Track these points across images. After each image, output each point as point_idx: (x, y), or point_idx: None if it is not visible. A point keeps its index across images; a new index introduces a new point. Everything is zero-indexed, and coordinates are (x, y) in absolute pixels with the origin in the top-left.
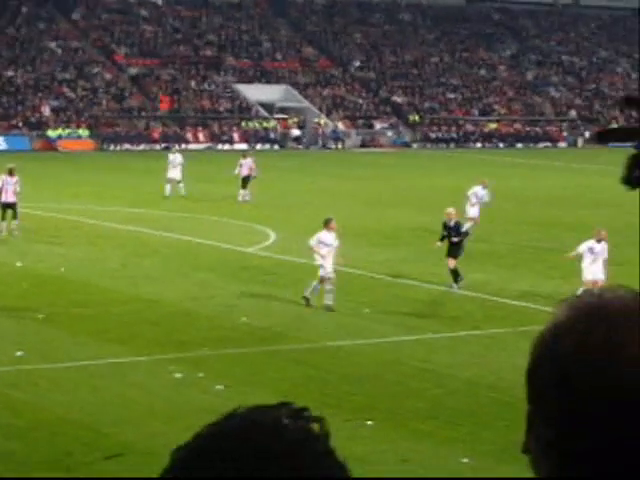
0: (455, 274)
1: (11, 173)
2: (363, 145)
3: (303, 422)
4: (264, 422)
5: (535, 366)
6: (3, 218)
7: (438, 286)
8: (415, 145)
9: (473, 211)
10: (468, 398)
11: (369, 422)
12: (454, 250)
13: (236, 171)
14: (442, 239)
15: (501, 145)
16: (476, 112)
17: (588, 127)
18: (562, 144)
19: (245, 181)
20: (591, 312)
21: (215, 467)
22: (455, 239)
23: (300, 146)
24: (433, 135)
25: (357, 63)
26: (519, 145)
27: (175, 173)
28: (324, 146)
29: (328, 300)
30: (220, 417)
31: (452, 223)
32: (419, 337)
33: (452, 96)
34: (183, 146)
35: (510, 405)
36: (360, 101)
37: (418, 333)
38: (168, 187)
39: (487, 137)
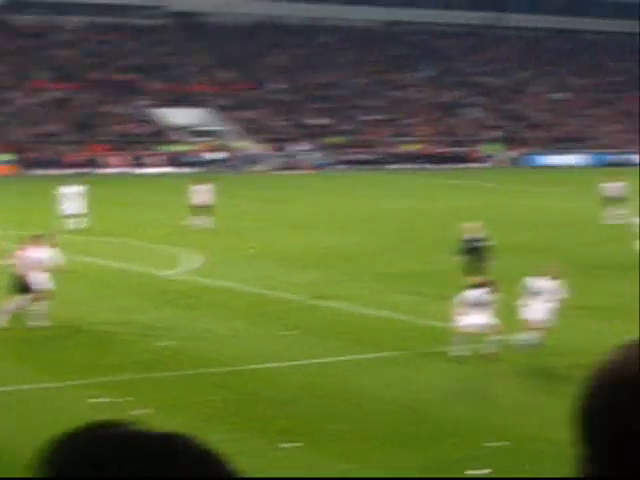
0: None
1: None
2: (282, 167)
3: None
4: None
5: (586, 401)
6: None
7: (359, 307)
8: (333, 167)
9: None
10: (389, 419)
11: (292, 444)
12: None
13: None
14: (463, 253)
15: (420, 166)
16: (394, 133)
17: (508, 147)
18: (482, 164)
19: (200, 208)
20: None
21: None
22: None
23: (219, 169)
24: (351, 157)
25: (276, 85)
26: (438, 166)
27: (73, 207)
28: (242, 169)
29: None
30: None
31: (476, 237)
32: (340, 359)
33: (370, 118)
34: (100, 170)
35: (430, 425)
36: (279, 123)
37: (339, 355)
38: (70, 222)
39: (405, 158)
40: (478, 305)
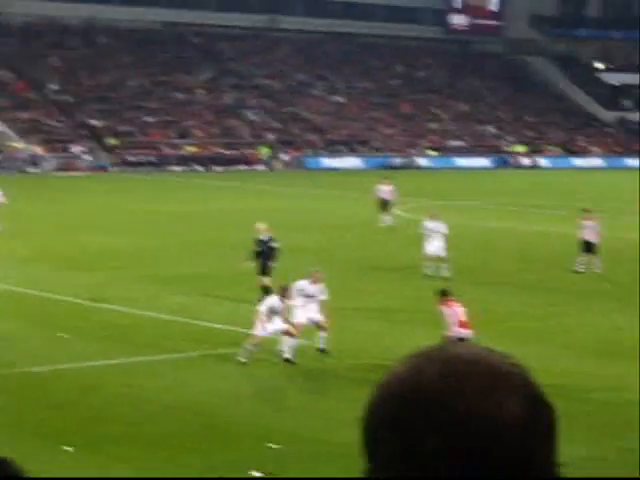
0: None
1: None
2: (60, 169)
3: None
4: None
5: (370, 414)
6: None
7: (137, 310)
8: (113, 169)
9: None
10: (168, 422)
11: (67, 448)
12: (267, 267)
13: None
14: (256, 256)
15: (199, 168)
16: (174, 135)
17: (285, 150)
18: (260, 167)
19: None
20: (429, 355)
21: None
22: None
23: None
24: (131, 159)
25: (54, 86)
26: (217, 168)
27: None
28: (20, 170)
29: None
30: None
31: (266, 238)
32: (119, 361)
33: (150, 119)
34: None
35: (209, 428)
36: (57, 124)
37: (118, 357)
38: None
39: (185, 160)
40: (275, 312)
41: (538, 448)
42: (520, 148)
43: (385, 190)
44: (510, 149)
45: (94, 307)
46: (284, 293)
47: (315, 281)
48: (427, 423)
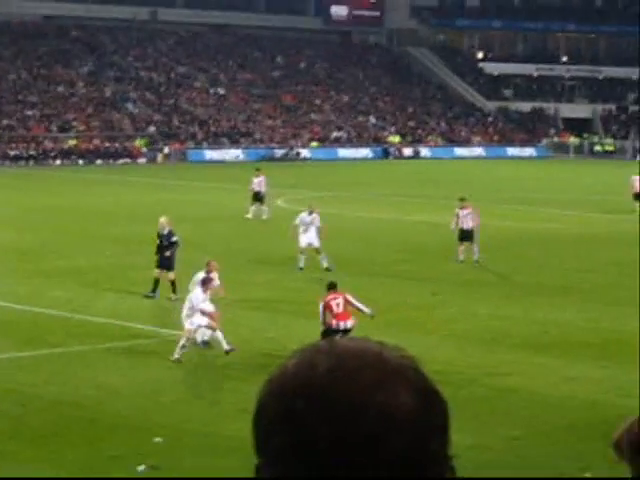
0: (174, 285)
1: None
2: None
3: None
4: None
5: (261, 409)
6: None
7: (19, 305)
8: None
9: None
10: (52, 417)
11: None
12: (169, 261)
13: None
14: (158, 250)
15: (81, 162)
16: (55, 129)
17: (167, 142)
18: (142, 160)
19: None
20: (319, 349)
21: None
22: (167, 250)
23: None
24: (11, 152)
25: None
26: (99, 161)
27: None
28: None
29: None
30: None
31: (165, 232)
32: (2, 357)
33: (30, 113)
34: None
35: (94, 422)
36: None
37: (0, 353)
38: None
39: (66, 154)
40: (195, 307)
41: (432, 440)
42: (401, 138)
43: (256, 182)
44: (392, 139)
45: None
46: (205, 286)
47: (209, 271)
48: (319, 416)
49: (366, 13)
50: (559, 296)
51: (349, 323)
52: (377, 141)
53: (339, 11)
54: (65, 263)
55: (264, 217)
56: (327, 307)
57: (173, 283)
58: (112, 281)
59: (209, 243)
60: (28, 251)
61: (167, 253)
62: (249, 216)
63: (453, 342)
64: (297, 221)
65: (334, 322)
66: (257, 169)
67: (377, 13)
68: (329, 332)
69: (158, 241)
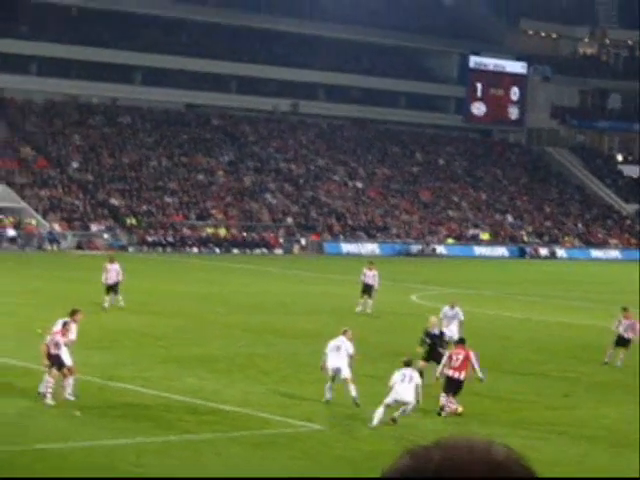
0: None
1: None
2: (79, 247)
3: None
4: None
5: None
6: None
7: (149, 390)
8: (131, 248)
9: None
10: None
11: None
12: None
13: None
14: (422, 344)
15: (217, 250)
16: (194, 217)
17: (304, 234)
18: (278, 250)
19: None
20: (430, 446)
21: None
22: (440, 348)
23: (15, 247)
24: (150, 239)
25: (75, 164)
26: (235, 250)
27: None
28: (40, 247)
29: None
30: None
31: (436, 331)
32: (131, 441)
33: (170, 200)
34: None
35: None
36: (77, 202)
37: (130, 437)
38: None
39: (204, 242)
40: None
41: None
42: (538, 238)
43: (370, 275)
44: (528, 239)
45: (106, 385)
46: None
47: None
48: None
49: (507, 112)
50: None
51: (462, 375)
52: (514, 240)
53: (479, 109)
54: (197, 350)
55: (368, 311)
56: (449, 358)
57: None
58: (243, 370)
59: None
60: (162, 336)
61: (441, 350)
62: (358, 309)
63: (584, 443)
64: (440, 315)
65: (450, 372)
66: (370, 262)
67: (518, 112)
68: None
69: (428, 340)
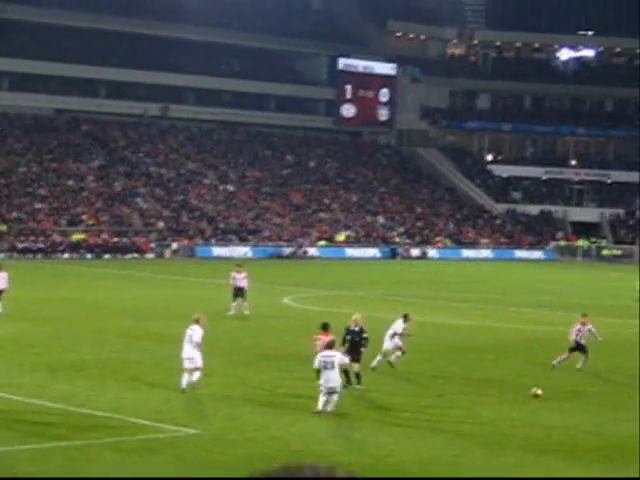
0: (358, 376)
1: None
2: None
3: None
4: None
5: None
6: None
7: (21, 397)
8: (2, 255)
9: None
10: None
11: None
12: (356, 354)
13: None
14: (344, 343)
15: (89, 256)
16: (64, 222)
17: (175, 238)
18: (150, 255)
19: None
20: (279, 467)
21: None
22: (363, 346)
23: None
24: (20, 245)
25: None
26: (107, 256)
27: None
28: None
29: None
30: None
31: (357, 328)
32: (2, 449)
33: (40, 206)
34: None
35: None
36: None
37: (2, 445)
38: None
39: (75, 247)
40: None
41: None
42: (410, 239)
43: (239, 277)
44: (400, 240)
45: None
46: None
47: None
48: None
49: (377, 113)
50: (567, 401)
51: None
52: (385, 241)
53: (349, 111)
54: (70, 356)
55: (246, 313)
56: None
57: (358, 375)
58: (116, 375)
59: (218, 340)
60: (34, 344)
61: (363, 349)
62: (232, 313)
63: (460, 442)
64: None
65: None
66: (238, 265)
67: (388, 113)
68: None
69: (349, 337)
